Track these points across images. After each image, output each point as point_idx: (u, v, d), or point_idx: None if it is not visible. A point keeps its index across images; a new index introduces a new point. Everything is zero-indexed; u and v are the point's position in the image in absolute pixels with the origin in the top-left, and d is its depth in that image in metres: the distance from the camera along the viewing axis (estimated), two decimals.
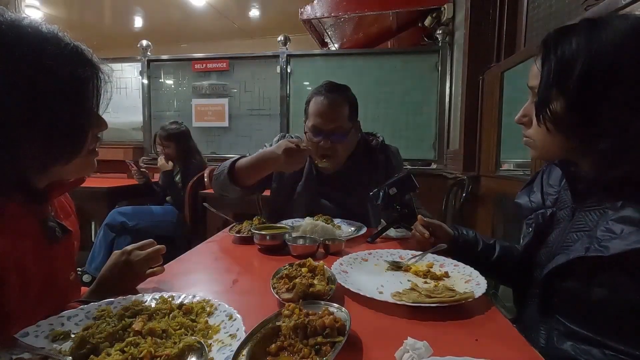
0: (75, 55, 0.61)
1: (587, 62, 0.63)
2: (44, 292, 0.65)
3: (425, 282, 0.83)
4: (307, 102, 1.43)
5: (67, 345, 0.52)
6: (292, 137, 1.42)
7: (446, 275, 0.86)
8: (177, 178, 2.88)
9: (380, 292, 0.75)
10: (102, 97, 0.66)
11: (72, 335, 0.54)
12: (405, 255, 0.99)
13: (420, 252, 0.99)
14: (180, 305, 0.63)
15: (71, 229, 0.74)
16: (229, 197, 1.41)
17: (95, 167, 0.71)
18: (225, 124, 3.55)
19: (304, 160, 1.28)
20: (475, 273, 0.83)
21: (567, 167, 0.78)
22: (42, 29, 0.58)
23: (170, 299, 0.65)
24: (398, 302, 0.69)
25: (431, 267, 0.90)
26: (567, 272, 0.69)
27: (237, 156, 1.36)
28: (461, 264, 0.90)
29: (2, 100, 0.53)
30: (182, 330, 0.56)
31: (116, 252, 0.79)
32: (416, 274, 0.87)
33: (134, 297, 0.66)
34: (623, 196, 0.65)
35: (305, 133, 1.43)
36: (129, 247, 0.78)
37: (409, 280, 0.83)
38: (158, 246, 0.82)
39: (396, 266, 0.92)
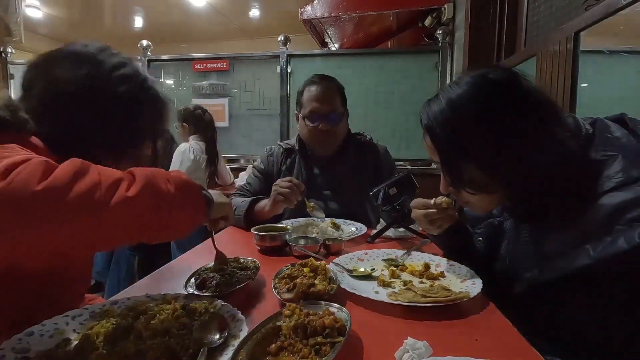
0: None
1: (430, 124, 0.73)
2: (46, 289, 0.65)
3: (422, 282, 0.83)
4: (300, 93, 1.53)
5: (71, 345, 0.53)
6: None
7: (442, 275, 0.87)
8: None
9: (377, 292, 0.76)
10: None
11: (76, 335, 0.55)
12: (400, 254, 1.00)
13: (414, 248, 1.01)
14: (184, 306, 0.63)
15: None
16: None
17: None
18: (226, 124, 3.55)
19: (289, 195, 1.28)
20: (471, 273, 0.84)
21: None
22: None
23: (173, 300, 0.66)
24: (394, 302, 0.69)
25: (427, 267, 0.90)
26: (539, 293, 0.72)
27: (246, 202, 1.36)
28: (457, 264, 0.90)
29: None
30: (185, 330, 0.56)
31: None
32: (412, 273, 0.88)
33: (137, 298, 0.66)
34: (555, 215, 0.70)
35: (303, 119, 1.49)
36: None
37: (404, 280, 0.83)
38: None
39: (393, 264, 0.92)
